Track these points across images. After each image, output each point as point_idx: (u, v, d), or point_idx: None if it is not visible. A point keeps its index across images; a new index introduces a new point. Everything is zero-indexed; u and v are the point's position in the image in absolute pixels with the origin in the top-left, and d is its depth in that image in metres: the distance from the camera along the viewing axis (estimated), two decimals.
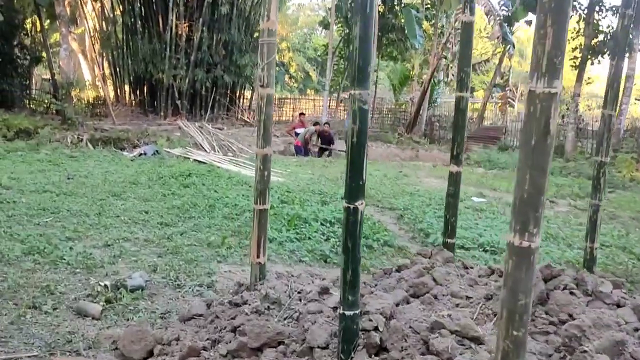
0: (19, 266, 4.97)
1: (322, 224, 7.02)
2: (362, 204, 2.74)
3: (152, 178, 10.25)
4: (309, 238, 6.59)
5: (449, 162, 5.10)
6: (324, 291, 3.62)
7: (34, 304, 4.16)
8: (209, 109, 22.99)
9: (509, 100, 23.23)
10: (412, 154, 19.80)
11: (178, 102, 22.75)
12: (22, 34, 21.89)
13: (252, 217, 3.99)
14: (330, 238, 6.62)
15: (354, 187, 2.72)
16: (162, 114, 22.53)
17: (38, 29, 22.11)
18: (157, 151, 13.70)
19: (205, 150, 16.11)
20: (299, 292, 3.70)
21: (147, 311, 4.27)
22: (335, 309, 3.23)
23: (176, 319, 4.03)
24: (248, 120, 22.92)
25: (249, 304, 3.58)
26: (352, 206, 2.74)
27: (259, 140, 3.68)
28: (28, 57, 22.35)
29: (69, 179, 9.77)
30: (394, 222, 8.07)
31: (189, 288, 4.76)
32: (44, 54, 22.47)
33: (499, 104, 22.93)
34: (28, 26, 22.46)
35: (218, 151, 16.44)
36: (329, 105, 24.76)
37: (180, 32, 22.26)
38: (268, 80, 3.63)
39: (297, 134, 18.08)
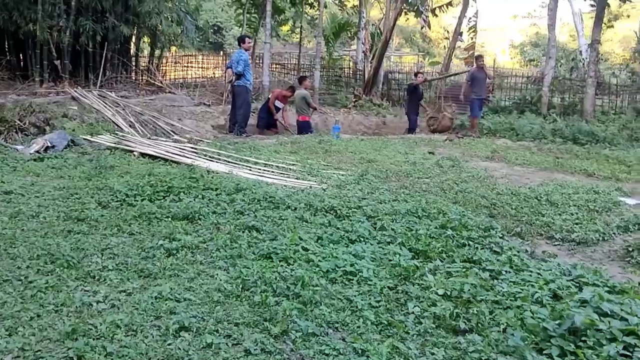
0: None
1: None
2: None
3: (106, 202, 5.57)
4: None
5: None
6: None
7: None
8: (100, 71, 17.46)
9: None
10: (378, 122, 15.99)
11: (58, 62, 17.00)
12: None
13: None
14: None
15: None
16: (37, 79, 16.66)
17: None
18: (72, 141, 8.69)
19: (123, 130, 11.22)
20: None
21: None
22: None
23: None
24: (160, 84, 17.72)
25: None
26: None
27: None
28: None
29: None
30: None
31: None
32: None
33: (465, 57, 19.60)
34: None
35: (141, 131, 11.58)
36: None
37: None
38: None
39: (277, 109, 13.56)
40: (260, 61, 20.80)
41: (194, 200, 5.71)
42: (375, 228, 5.06)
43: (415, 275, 3.91)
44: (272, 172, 7.57)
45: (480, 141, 11.44)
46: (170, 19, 18.21)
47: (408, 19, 20.16)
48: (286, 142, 10.18)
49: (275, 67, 22.93)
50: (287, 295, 3.61)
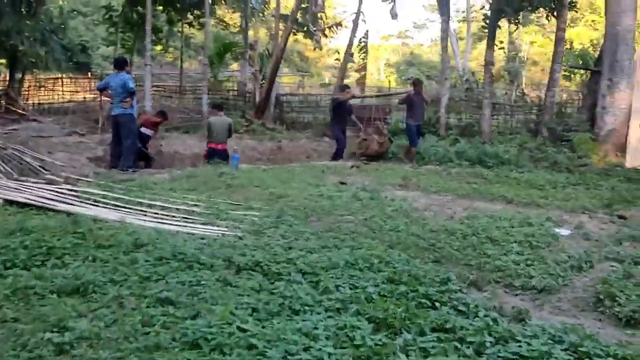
0: None
1: None
2: None
3: None
4: None
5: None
6: None
7: None
8: None
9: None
10: (273, 147, 15.22)
11: None
12: None
13: None
14: None
15: None
16: None
17: None
18: None
19: None
20: None
21: None
22: None
23: None
24: (23, 111, 15.79)
25: None
26: None
27: None
28: None
29: None
30: None
31: None
32: None
33: (358, 78, 19.20)
34: None
35: (4, 169, 9.95)
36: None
37: None
38: None
39: (145, 136, 12.33)
40: (139, 84, 19.29)
41: (84, 264, 4.58)
42: (316, 289, 4.23)
43: (387, 359, 3.14)
44: (173, 216, 6.52)
45: (388, 167, 11.02)
46: (33, 39, 16.38)
47: (297, 39, 19.60)
48: (181, 176, 9.10)
49: (156, 91, 21.45)
50: None
